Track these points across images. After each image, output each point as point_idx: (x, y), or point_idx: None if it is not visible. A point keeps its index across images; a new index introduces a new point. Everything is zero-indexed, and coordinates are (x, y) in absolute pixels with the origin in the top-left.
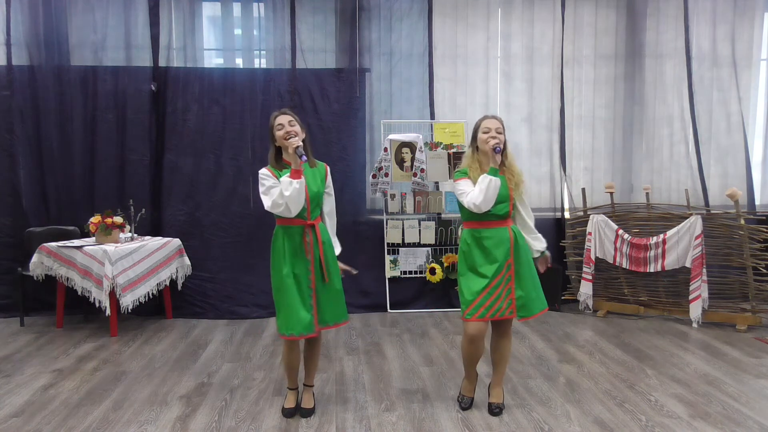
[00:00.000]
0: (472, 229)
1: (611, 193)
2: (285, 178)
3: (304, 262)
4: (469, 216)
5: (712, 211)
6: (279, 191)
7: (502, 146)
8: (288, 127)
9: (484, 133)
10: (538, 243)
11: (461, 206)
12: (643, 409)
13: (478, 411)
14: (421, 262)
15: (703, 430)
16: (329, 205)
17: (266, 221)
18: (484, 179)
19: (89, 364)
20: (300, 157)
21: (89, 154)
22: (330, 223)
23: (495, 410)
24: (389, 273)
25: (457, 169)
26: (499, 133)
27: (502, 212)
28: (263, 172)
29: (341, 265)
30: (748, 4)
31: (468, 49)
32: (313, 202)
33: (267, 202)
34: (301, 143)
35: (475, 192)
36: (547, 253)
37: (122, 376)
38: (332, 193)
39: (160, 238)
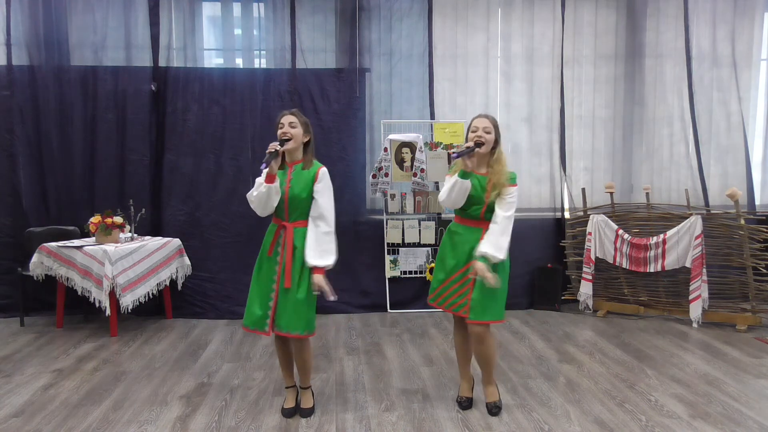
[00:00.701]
0: (453, 222)
1: (611, 193)
2: (259, 178)
3: (270, 262)
4: (456, 210)
5: (712, 211)
6: (255, 189)
7: (472, 148)
8: (287, 127)
9: (473, 132)
10: (485, 246)
11: None
12: (643, 409)
13: (477, 411)
14: (421, 262)
15: (703, 430)
16: (316, 210)
17: (266, 221)
18: (450, 180)
19: (89, 364)
20: (265, 162)
21: (89, 154)
22: (315, 230)
23: (493, 410)
24: (389, 273)
25: (451, 165)
26: (488, 133)
27: (474, 213)
28: (263, 167)
29: (320, 281)
30: (748, 4)
31: (468, 49)
32: (293, 203)
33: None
34: (278, 147)
35: (443, 190)
36: (485, 264)
37: (122, 376)
38: (324, 197)
39: (160, 238)
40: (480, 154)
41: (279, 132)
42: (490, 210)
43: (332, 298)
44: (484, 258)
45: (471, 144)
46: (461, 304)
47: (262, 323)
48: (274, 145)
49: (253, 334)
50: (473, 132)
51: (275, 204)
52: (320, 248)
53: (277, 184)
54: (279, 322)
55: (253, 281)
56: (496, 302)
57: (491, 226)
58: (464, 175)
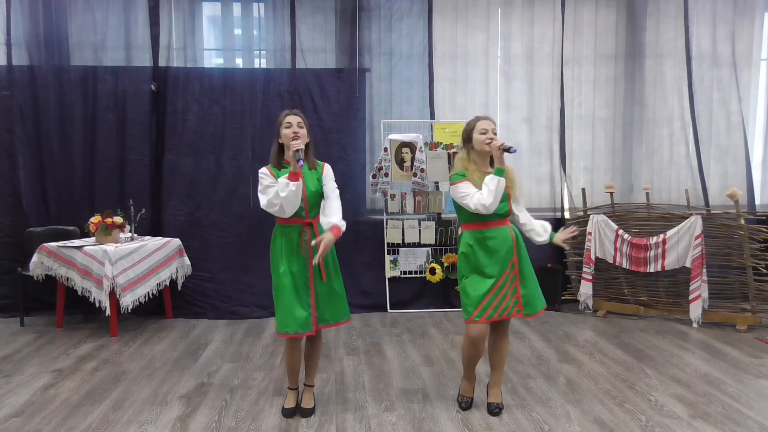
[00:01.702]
0: (475, 231)
1: (611, 193)
2: (282, 179)
3: (302, 260)
4: (470, 218)
5: (712, 211)
6: (275, 191)
7: (516, 147)
8: (296, 127)
9: (482, 134)
10: (545, 231)
11: (459, 208)
12: (643, 409)
13: (477, 411)
14: (421, 262)
15: (703, 430)
16: (329, 206)
17: (266, 221)
18: (492, 180)
19: (89, 364)
20: (297, 161)
21: (89, 154)
22: (331, 204)
23: (495, 410)
24: (389, 273)
25: (452, 172)
26: (495, 134)
27: (503, 211)
28: (263, 171)
29: (328, 240)
30: (748, 4)
31: (468, 49)
32: (311, 201)
33: (263, 200)
34: (302, 147)
35: (484, 194)
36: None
37: (122, 376)
38: (334, 193)
39: (160, 238)
40: (485, 153)
41: (287, 131)
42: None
43: (315, 261)
44: (553, 235)
45: (512, 146)
46: (512, 305)
47: (308, 324)
48: (297, 144)
49: (257, 333)
50: (483, 134)
51: (300, 202)
52: (338, 215)
53: (301, 181)
54: (323, 316)
55: (283, 287)
56: (539, 290)
57: (529, 220)
58: (500, 172)
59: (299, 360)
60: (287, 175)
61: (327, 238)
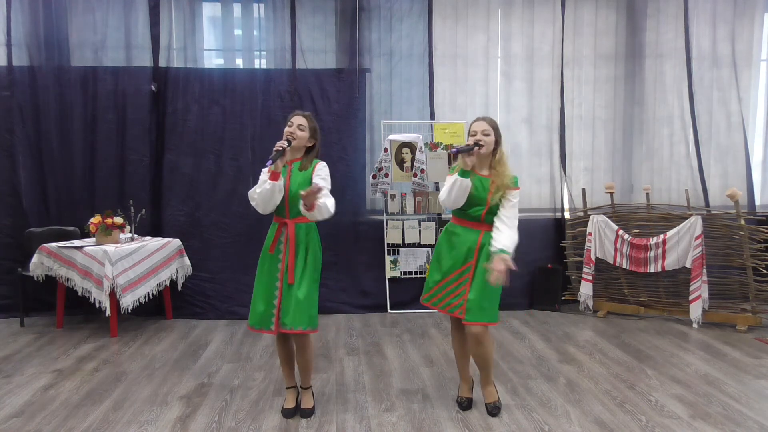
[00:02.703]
0: (449, 223)
1: (611, 194)
2: (263, 176)
3: (273, 259)
4: (454, 210)
5: (713, 212)
6: (254, 188)
7: (471, 147)
8: (294, 128)
9: (472, 135)
10: (503, 241)
11: None
12: (643, 409)
13: (478, 411)
14: (421, 262)
15: (703, 430)
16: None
17: (266, 221)
18: (450, 179)
19: (89, 364)
20: (271, 159)
21: (89, 154)
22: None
23: (492, 410)
24: (389, 273)
25: (451, 166)
26: (486, 135)
27: (475, 214)
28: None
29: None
30: (748, 4)
31: (468, 49)
32: (292, 200)
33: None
34: (283, 147)
35: (443, 189)
36: (505, 255)
37: (122, 376)
38: (326, 179)
39: (160, 238)
40: (481, 155)
41: (286, 130)
42: (491, 212)
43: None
44: (503, 250)
45: (470, 142)
46: (457, 304)
47: (267, 321)
48: (281, 144)
49: (257, 334)
50: (472, 136)
51: (278, 201)
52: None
53: (281, 182)
54: (284, 320)
55: (256, 280)
56: (493, 304)
57: (499, 224)
58: (464, 173)
59: (288, 357)
60: (269, 172)
61: (309, 189)
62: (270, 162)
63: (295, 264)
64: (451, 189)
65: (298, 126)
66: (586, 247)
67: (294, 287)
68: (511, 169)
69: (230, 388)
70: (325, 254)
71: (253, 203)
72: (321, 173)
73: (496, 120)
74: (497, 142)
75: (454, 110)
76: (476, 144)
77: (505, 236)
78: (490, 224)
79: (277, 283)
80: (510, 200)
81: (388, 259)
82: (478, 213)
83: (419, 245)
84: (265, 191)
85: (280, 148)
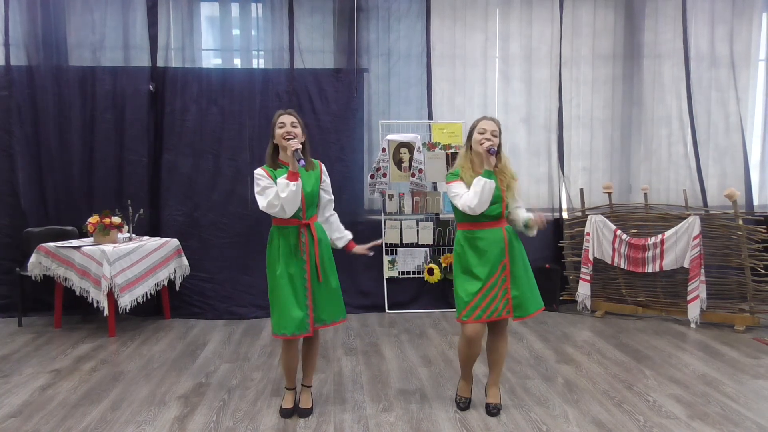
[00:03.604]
0: (466, 231)
1: (609, 194)
2: (282, 180)
3: (299, 262)
4: (463, 218)
5: (711, 212)
6: (275, 192)
7: (496, 148)
8: (289, 127)
9: (480, 134)
10: (526, 213)
11: (455, 208)
12: (641, 409)
13: (476, 411)
14: (419, 262)
15: (701, 430)
16: (325, 200)
17: (264, 221)
18: (479, 182)
19: (87, 364)
20: (298, 161)
21: (88, 154)
22: (331, 217)
23: (492, 410)
24: (387, 273)
25: (450, 171)
26: (495, 136)
27: (494, 213)
28: (259, 172)
29: (362, 247)
30: (746, 4)
31: (466, 49)
32: (308, 201)
33: (262, 202)
34: (299, 146)
35: (470, 195)
36: (532, 216)
37: (120, 376)
38: (329, 189)
39: (159, 238)
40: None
41: (281, 131)
42: (507, 208)
43: (378, 243)
44: (529, 218)
45: (494, 144)
46: (502, 307)
47: (305, 325)
48: (295, 143)
49: (255, 334)
50: (481, 133)
51: (299, 201)
52: (341, 229)
53: (300, 181)
54: (321, 316)
55: (280, 288)
56: (536, 291)
57: (517, 210)
58: (489, 175)
59: (297, 360)
60: (286, 175)
61: (359, 250)
62: (302, 161)
63: (322, 260)
64: (482, 192)
65: (291, 124)
66: (584, 247)
67: (325, 282)
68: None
69: (228, 388)
70: None
71: (274, 210)
72: (327, 178)
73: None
74: (500, 144)
75: (452, 110)
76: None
77: (522, 215)
78: (505, 219)
79: (306, 284)
80: (516, 196)
81: (386, 259)
82: (498, 211)
83: (417, 245)
84: (291, 193)
85: (299, 147)
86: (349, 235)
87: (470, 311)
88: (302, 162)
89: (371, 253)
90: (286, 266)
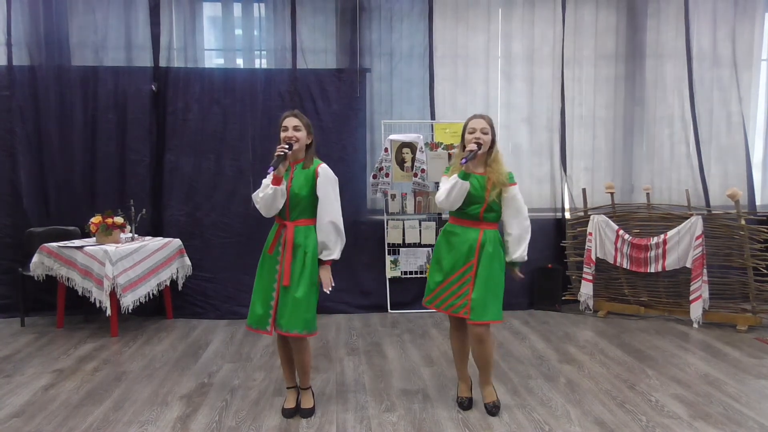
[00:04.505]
0: (448, 224)
1: (612, 194)
2: (266, 180)
3: (271, 260)
4: (451, 211)
5: (713, 212)
6: (257, 191)
7: (475, 152)
8: (291, 131)
9: (470, 133)
10: (513, 250)
11: None
12: (643, 409)
13: (478, 411)
14: (422, 262)
15: (703, 430)
16: (321, 205)
17: (267, 222)
18: (451, 181)
19: (90, 364)
20: (272, 166)
21: (90, 154)
22: (323, 227)
23: (491, 409)
24: (390, 273)
25: (446, 166)
26: (485, 134)
27: (473, 213)
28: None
29: (323, 275)
30: (748, 4)
31: (468, 49)
32: (293, 202)
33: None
34: (285, 152)
35: (441, 191)
36: (517, 267)
37: (123, 376)
38: (325, 191)
39: (161, 238)
40: (478, 154)
41: (284, 135)
42: (490, 209)
43: (327, 290)
44: (513, 263)
45: (474, 147)
46: (461, 305)
47: (264, 322)
48: (282, 148)
49: (255, 334)
50: (471, 133)
51: (280, 206)
52: (329, 243)
53: (283, 186)
54: (279, 321)
55: (256, 281)
56: (496, 301)
57: (507, 227)
58: (465, 176)
59: (288, 358)
60: (272, 178)
61: (325, 277)
62: (272, 168)
63: (293, 266)
64: (450, 191)
65: (294, 128)
66: (586, 247)
67: (290, 289)
68: (506, 166)
69: (230, 388)
70: None
71: (257, 206)
72: (324, 185)
73: (495, 119)
74: (493, 141)
75: (454, 110)
76: (478, 146)
77: (522, 248)
78: (488, 222)
79: (274, 285)
80: (509, 197)
81: (388, 259)
82: (476, 211)
83: (419, 245)
84: (267, 196)
85: (282, 153)
86: (330, 254)
87: (432, 299)
88: (271, 169)
89: (327, 290)
90: (263, 261)
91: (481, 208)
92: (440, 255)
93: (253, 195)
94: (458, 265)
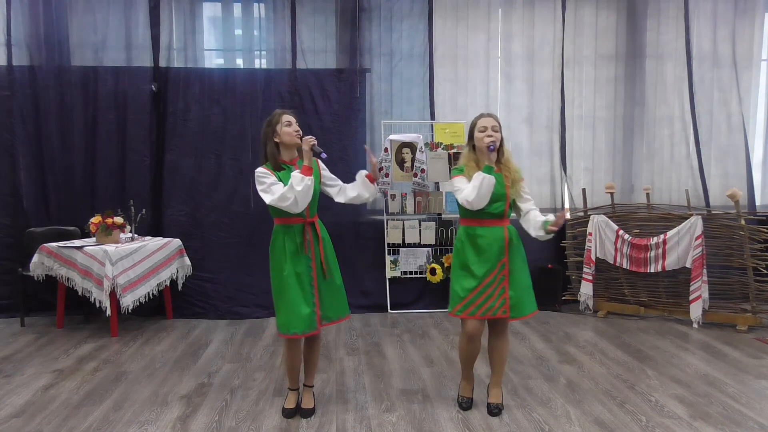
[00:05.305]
0: (467, 227)
1: (611, 194)
2: (296, 173)
3: (305, 260)
4: (466, 213)
5: (713, 212)
6: (289, 185)
7: (496, 145)
8: (296, 126)
9: (480, 131)
10: (542, 216)
11: (459, 203)
12: (643, 409)
13: (478, 411)
14: (422, 262)
15: (703, 430)
16: (337, 188)
17: (266, 221)
18: (478, 177)
19: (90, 364)
20: (320, 154)
21: (90, 154)
22: (349, 191)
23: (494, 410)
24: (389, 273)
25: (454, 167)
26: (495, 132)
27: (497, 211)
28: (261, 170)
29: (373, 161)
30: (748, 5)
31: (468, 49)
32: (314, 198)
33: (271, 197)
34: (315, 142)
35: (469, 189)
36: (549, 224)
37: (123, 376)
38: (333, 177)
39: (161, 238)
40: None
41: (290, 129)
42: (511, 207)
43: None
44: (547, 221)
45: (494, 141)
46: (498, 305)
47: (313, 322)
48: (312, 139)
49: (257, 334)
50: (482, 131)
51: (311, 195)
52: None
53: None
54: (327, 314)
55: (288, 287)
56: (531, 294)
57: (533, 212)
58: (489, 170)
59: (299, 360)
60: (301, 169)
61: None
62: (324, 154)
63: (327, 258)
64: (480, 187)
65: (296, 123)
66: (586, 247)
67: (331, 279)
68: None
69: (230, 388)
70: None
71: (286, 203)
72: (326, 171)
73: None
74: (501, 138)
75: (454, 110)
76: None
77: (536, 213)
78: (508, 218)
79: (312, 282)
80: (525, 192)
81: (388, 259)
82: (500, 209)
83: (419, 245)
84: (306, 187)
85: (315, 143)
86: (370, 186)
87: (464, 307)
88: (324, 155)
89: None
90: (294, 265)
91: (505, 206)
92: (466, 260)
93: (281, 193)
94: (492, 268)
